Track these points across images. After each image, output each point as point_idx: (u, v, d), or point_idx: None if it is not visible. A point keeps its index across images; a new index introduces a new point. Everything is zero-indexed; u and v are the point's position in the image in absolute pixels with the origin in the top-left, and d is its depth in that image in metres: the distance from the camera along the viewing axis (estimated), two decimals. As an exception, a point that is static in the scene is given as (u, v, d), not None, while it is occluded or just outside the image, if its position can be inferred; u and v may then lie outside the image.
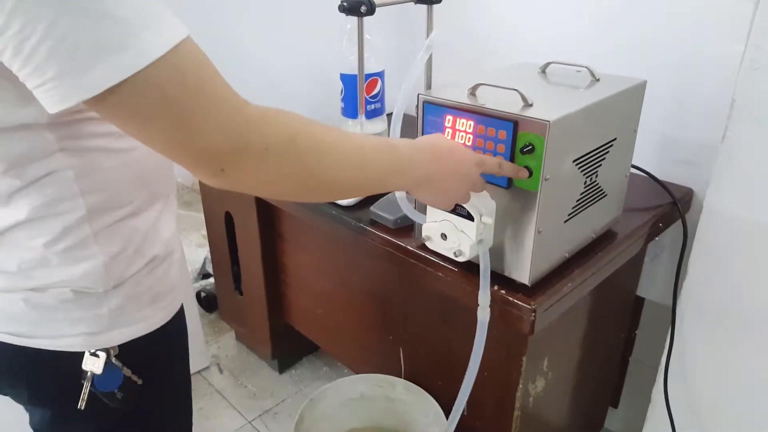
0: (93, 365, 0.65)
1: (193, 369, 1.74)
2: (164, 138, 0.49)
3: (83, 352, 0.65)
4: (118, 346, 0.67)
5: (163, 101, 0.47)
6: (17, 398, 0.71)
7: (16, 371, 0.67)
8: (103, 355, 0.65)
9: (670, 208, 1.07)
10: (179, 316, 0.77)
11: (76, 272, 0.62)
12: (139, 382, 0.69)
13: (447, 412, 1.11)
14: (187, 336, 0.82)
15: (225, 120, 0.50)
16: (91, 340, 0.65)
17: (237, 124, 0.51)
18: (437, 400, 1.15)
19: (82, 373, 0.65)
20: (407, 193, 0.75)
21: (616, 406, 1.46)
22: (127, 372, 0.68)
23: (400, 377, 1.22)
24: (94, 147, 0.59)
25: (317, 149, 0.57)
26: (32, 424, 0.72)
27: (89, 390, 0.66)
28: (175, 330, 0.76)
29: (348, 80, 1.12)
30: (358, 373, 1.27)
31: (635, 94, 0.90)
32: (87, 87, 0.44)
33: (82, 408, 0.66)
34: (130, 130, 0.49)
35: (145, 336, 0.69)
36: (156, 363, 0.73)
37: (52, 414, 0.69)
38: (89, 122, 0.58)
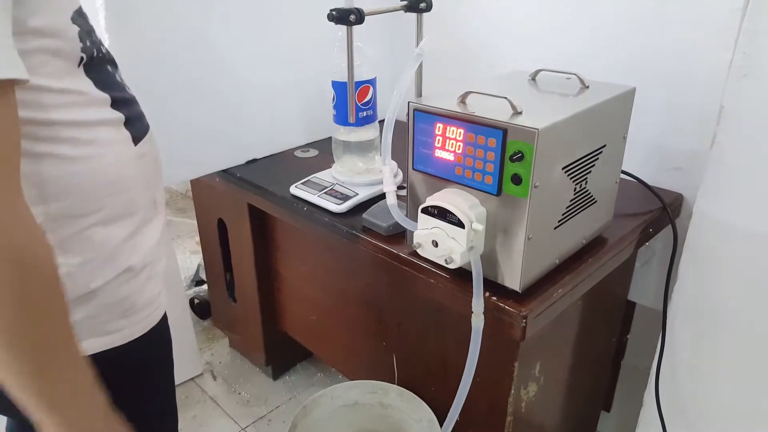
0: None
1: (186, 376, 1.75)
2: None
3: None
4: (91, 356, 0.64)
5: None
6: None
7: None
8: None
9: (660, 213, 1.08)
10: (160, 329, 0.74)
11: None
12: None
13: (440, 418, 1.11)
14: (170, 349, 0.79)
15: None
16: None
17: None
18: (431, 406, 1.15)
19: None
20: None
21: (608, 410, 1.46)
22: None
23: (394, 383, 1.22)
24: (51, 153, 0.57)
25: (33, 296, 0.49)
26: (7, 430, 0.72)
27: None
28: (154, 343, 0.73)
29: (339, 87, 1.13)
30: (351, 380, 1.27)
31: (625, 101, 0.91)
32: None
33: None
34: None
35: (118, 348, 0.67)
36: (132, 378, 0.71)
37: (20, 423, 0.68)
38: (45, 128, 0.56)
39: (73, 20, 0.58)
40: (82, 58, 0.59)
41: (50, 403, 0.54)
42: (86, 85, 0.60)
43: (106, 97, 0.62)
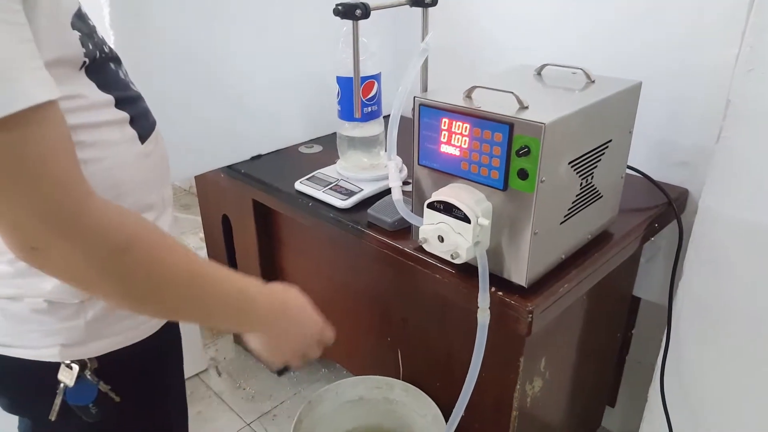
0: (66, 377, 0.63)
1: (191, 372, 1.75)
2: None
3: (60, 363, 0.64)
4: (98, 358, 0.65)
5: None
6: (3, 406, 0.70)
7: (1, 379, 0.66)
8: (75, 367, 0.63)
9: (666, 208, 1.08)
10: (169, 328, 0.74)
11: (47, 285, 0.60)
12: (117, 399, 0.67)
13: (446, 413, 1.11)
14: (180, 348, 0.79)
15: (52, 202, 0.47)
16: (67, 351, 0.63)
17: (64, 210, 0.47)
18: (436, 401, 1.15)
19: (57, 385, 0.64)
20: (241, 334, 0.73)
21: (613, 405, 1.46)
22: (103, 387, 0.66)
23: (399, 379, 1.22)
24: None
25: (150, 267, 0.54)
26: (20, 430, 0.72)
27: (66, 402, 0.64)
28: (163, 342, 0.73)
29: (344, 83, 1.12)
30: (356, 375, 1.27)
31: (631, 96, 0.91)
32: None
33: (53, 419, 0.65)
34: None
35: (128, 348, 0.67)
36: (143, 375, 0.71)
37: (32, 423, 0.69)
38: None
39: (73, 26, 0.56)
40: (84, 62, 0.58)
41: (226, 321, 0.65)
42: (88, 87, 0.59)
43: (109, 98, 0.61)
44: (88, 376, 0.64)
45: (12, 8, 0.45)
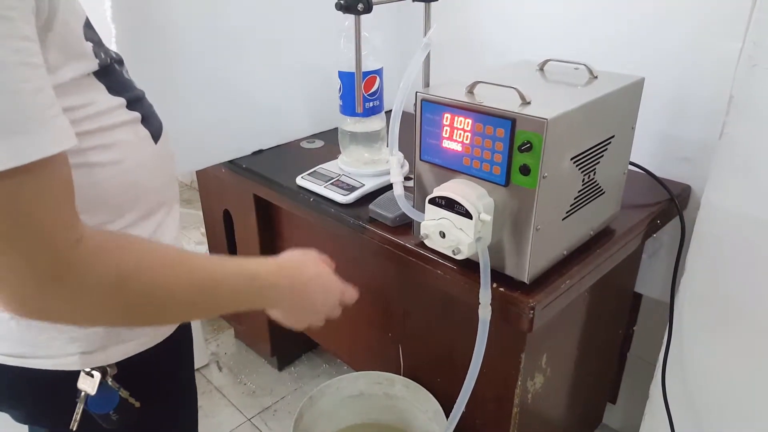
0: (87, 385, 0.63)
1: (192, 367, 1.76)
2: None
3: (79, 371, 0.63)
4: (117, 364, 0.64)
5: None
6: (16, 417, 0.69)
7: (18, 392, 0.66)
8: (97, 375, 0.63)
9: (668, 204, 1.07)
10: (182, 331, 0.74)
11: None
12: (137, 404, 0.66)
13: (446, 409, 1.11)
14: (192, 346, 0.79)
15: (42, 263, 0.46)
16: (87, 359, 0.63)
17: (56, 267, 0.47)
18: (436, 397, 1.15)
19: (77, 393, 0.63)
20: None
21: (614, 401, 1.46)
22: (124, 393, 0.65)
23: (400, 374, 1.23)
24: (82, 163, 0.55)
25: (150, 293, 0.54)
26: None
27: (86, 410, 0.64)
28: (177, 342, 0.73)
29: (346, 78, 1.12)
30: (357, 371, 1.27)
31: (633, 91, 0.90)
32: None
33: (75, 429, 0.64)
34: None
35: (146, 352, 0.67)
36: (160, 378, 0.71)
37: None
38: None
39: (85, 37, 0.56)
40: (96, 70, 0.57)
41: (242, 308, 0.64)
42: (100, 92, 0.58)
43: (121, 100, 0.60)
44: (110, 383, 0.64)
45: (32, 50, 0.44)
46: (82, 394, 0.63)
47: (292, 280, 0.69)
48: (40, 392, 0.65)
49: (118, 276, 0.50)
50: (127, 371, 0.65)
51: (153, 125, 0.65)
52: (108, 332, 0.63)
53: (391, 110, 0.86)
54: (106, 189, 0.58)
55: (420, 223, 0.85)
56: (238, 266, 0.63)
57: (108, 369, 0.64)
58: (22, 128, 0.43)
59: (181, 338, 0.74)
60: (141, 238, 0.59)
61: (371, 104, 1.15)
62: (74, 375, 0.63)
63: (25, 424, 0.70)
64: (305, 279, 0.72)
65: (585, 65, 0.91)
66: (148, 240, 0.61)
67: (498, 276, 0.85)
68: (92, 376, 0.63)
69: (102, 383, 0.63)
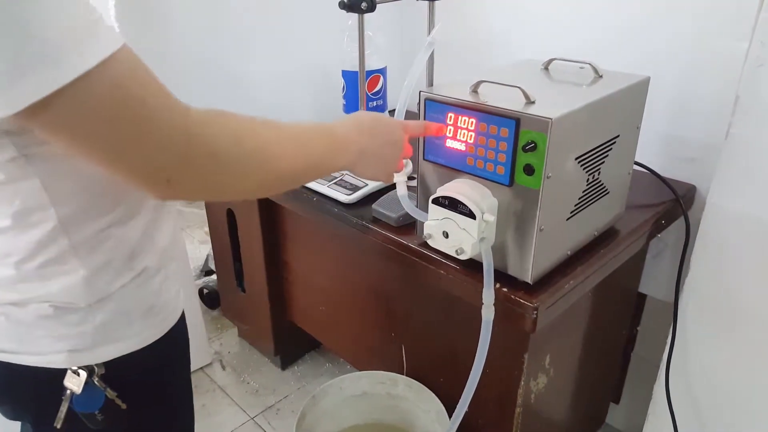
0: (73, 383, 0.62)
1: (195, 366, 1.76)
2: (102, 153, 0.48)
3: (66, 370, 0.62)
4: (105, 363, 0.64)
5: (98, 115, 0.46)
6: (3, 412, 0.69)
7: (4, 387, 0.66)
8: (83, 373, 0.62)
9: (673, 204, 1.07)
10: (177, 330, 0.73)
11: (53, 288, 0.59)
12: (124, 406, 0.66)
13: (449, 409, 1.11)
14: (187, 347, 0.78)
15: (167, 130, 0.49)
16: (74, 357, 0.62)
17: (180, 132, 0.50)
18: (439, 397, 1.15)
19: (63, 391, 0.63)
20: (349, 171, 0.78)
21: (617, 402, 1.46)
22: (110, 394, 0.64)
23: (403, 374, 1.22)
24: (62, 152, 0.54)
25: (262, 147, 0.59)
26: None
27: (71, 409, 0.63)
28: (171, 344, 0.72)
29: (349, 77, 1.12)
30: (360, 370, 1.27)
31: (638, 91, 0.90)
32: (9, 102, 0.43)
33: (59, 426, 0.64)
34: (69, 147, 0.49)
35: (136, 353, 0.66)
36: (151, 381, 0.70)
37: (34, 430, 0.68)
38: None
39: None
40: None
41: (334, 167, 0.72)
42: None
43: None
44: (96, 383, 0.63)
45: None
46: (68, 392, 0.63)
47: (359, 127, 0.74)
48: (27, 388, 0.65)
49: (234, 136, 0.55)
50: (116, 372, 0.65)
51: None
52: (97, 331, 0.63)
53: (394, 109, 0.85)
54: (90, 181, 0.58)
55: (423, 223, 0.85)
56: (312, 124, 0.69)
57: (96, 368, 0.63)
58: (91, 32, 0.45)
59: (176, 340, 0.73)
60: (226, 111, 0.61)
61: (374, 103, 1.15)
62: (61, 373, 0.63)
63: (11, 419, 0.70)
64: (369, 122, 0.76)
65: (590, 64, 0.91)
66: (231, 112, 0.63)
67: (501, 276, 0.84)
68: (78, 374, 0.62)
69: (88, 382, 0.62)
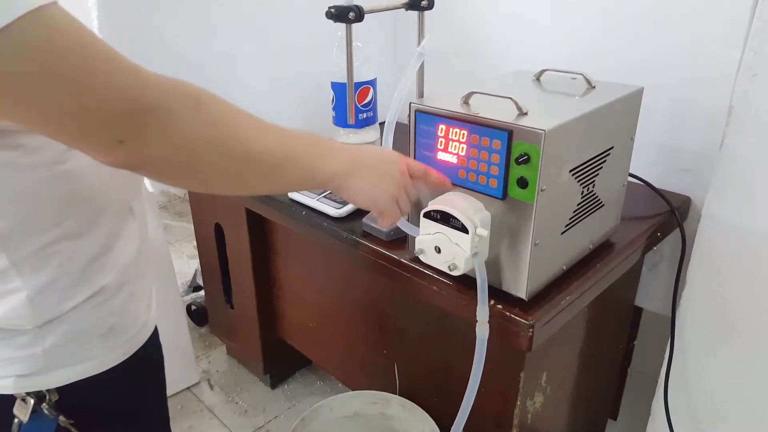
0: (20, 411, 0.58)
1: (182, 385, 1.72)
2: (45, 108, 0.43)
3: (14, 396, 0.59)
4: (59, 389, 0.60)
5: (34, 64, 0.41)
6: None
7: None
8: (31, 401, 0.58)
9: (668, 216, 1.05)
10: (147, 351, 0.68)
11: None
12: None
13: (444, 430, 1.08)
14: (161, 372, 0.74)
15: (118, 80, 0.45)
16: (21, 382, 0.58)
17: (132, 86, 0.45)
18: (434, 417, 1.12)
19: (12, 419, 0.59)
20: (343, 191, 0.69)
21: (615, 418, 1.43)
22: (64, 422, 0.60)
23: (396, 393, 1.19)
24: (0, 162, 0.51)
25: (226, 113, 0.53)
26: None
27: None
28: (142, 365, 0.68)
29: (339, 88, 1.10)
30: (352, 388, 1.24)
31: (632, 102, 0.89)
32: None
33: None
34: (4, 106, 0.43)
35: (98, 376, 0.62)
36: (116, 406, 0.66)
37: None
38: None
39: None
40: None
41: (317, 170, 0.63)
42: None
43: None
44: (45, 411, 0.59)
45: None
46: (16, 421, 0.59)
47: (352, 152, 0.69)
48: None
49: (194, 96, 0.49)
50: (73, 398, 0.61)
51: None
52: (48, 355, 0.59)
53: (385, 122, 0.83)
54: (32, 195, 0.54)
55: (415, 237, 0.83)
56: (298, 133, 0.63)
57: (47, 394, 0.59)
58: None
59: (147, 360, 0.69)
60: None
61: (364, 115, 1.13)
62: (10, 399, 0.59)
63: None
64: (365, 152, 0.71)
65: (582, 75, 0.89)
66: None
67: (495, 292, 0.82)
68: (26, 401, 0.58)
69: (36, 410, 0.58)
